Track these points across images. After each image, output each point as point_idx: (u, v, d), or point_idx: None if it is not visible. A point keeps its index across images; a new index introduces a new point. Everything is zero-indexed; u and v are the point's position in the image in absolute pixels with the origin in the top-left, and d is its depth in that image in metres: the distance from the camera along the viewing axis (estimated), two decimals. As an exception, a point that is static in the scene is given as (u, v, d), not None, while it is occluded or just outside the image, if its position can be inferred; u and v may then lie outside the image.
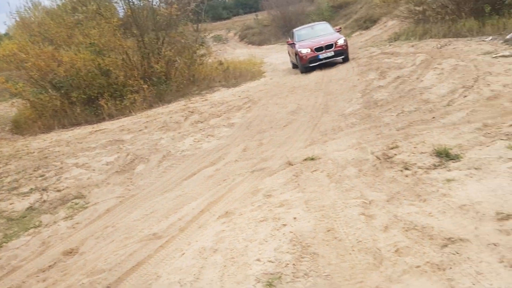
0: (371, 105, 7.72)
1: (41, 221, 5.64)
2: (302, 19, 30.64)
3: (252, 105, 10.50)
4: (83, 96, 12.82)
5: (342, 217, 3.72)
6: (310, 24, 17.44)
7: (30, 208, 6.10)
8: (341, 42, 13.80)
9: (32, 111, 13.03)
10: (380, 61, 11.75)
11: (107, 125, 11.30)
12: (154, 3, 15.84)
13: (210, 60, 17.26)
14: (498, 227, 2.99)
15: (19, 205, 6.22)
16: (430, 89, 7.48)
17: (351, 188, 4.35)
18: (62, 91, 12.79)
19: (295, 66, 15.61)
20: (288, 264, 3.16)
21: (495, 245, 2.80)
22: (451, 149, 4.58)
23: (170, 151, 7.72)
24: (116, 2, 15.54)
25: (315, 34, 15.22)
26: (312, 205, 4.13)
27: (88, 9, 14.29)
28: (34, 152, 9.02)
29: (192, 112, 10.70)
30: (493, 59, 8.13)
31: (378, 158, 5.01)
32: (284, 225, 3.84)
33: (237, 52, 27.89)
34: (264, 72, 17.04)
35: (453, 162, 4.32)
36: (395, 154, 4.94)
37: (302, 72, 14.16)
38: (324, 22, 17.67)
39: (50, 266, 4.35)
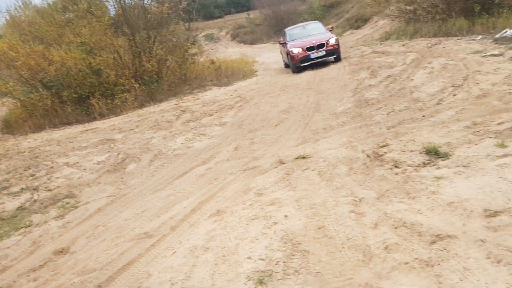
0: (362, 104, 7.76)
1: (31, 221, 5.61)
2: (294, 18, 30.73)
3: (244, 104, 10.51)
4: (74, 95, 12.75)
5: (332, 215, 3.75)
6: (302, 24, 17.42)
7: (21, 208, 6.07)
8: (332, 41, 13.75)
9: (22, 111, 12.94)
10: (371, 60, 11.81)
11: (98, 124, 11.26)
12: (145, 1, 15.84)
13: (202, 59, 17.24)
14: (486, 224, 3.03)
15: (10, 204, 6.19)
16: (420, 88, 7.54)
17: (341, 186, 4.38)
18: (53, 90, 12.71)
19: (287, 65, 15.59)
20: (279, 261, 3.18)
21: (483, 242, 2.84)
22: (440, 147, 4.63)
23: (161, 150, 7.71)
24: (107, 1, 15.50)
25: (307, 34, 15.19)
26: (303, 203, 4.15)
27: (79, 8, 14.21)
28: (24, 152, 8.98)
29: (183, 111, 10.70)
30: (483, 58, 8.21)
31: (368, 156, 5.04)
32: (275, 223, 3.85)
33: (229, 51, 27.88)
34: (256, 71, 17.06)
35: (442, 160, 4.36)
36: (385, 152, 4.98)
37: (293, 72, 14.14)
38: (316, 21, 17.65)
39: (41, 265, 4.33)
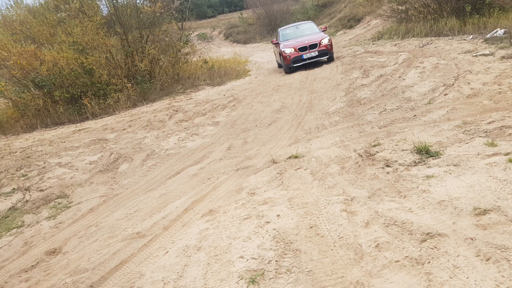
0: (355, 103, 7.80)
1: (23, 221, 5.59)
2: (287, 18, 30.80)
3: (237, 104, 10.52)
4: (66, 95, 12.70)
5: (324, 214, 3.77)
6: (295, 24, 17.38)
7: (13, 208, 6.04)
8: (325, 42, 13.72)
9: (14, 110, 12.87)
10: (363, 60, 11.86)
11: (90, 124, 11.22)
12: (137, 1, 15.79)
13: (194, 59, 17.24)
14: (475, 222, 3.06)
15: (1, 205, 6.15)
16: (411, 87, 7.59)
17: (333, 185, 4.41)
18: (45, 90, 12.65)
19: (280, 65, 15.56)
20: (271, 260, 3.20)
21: (472, 240, 2.87)
22: (431, 146, 4.67)
23: (154, 150, 7.70)
24: (99, 0, 15.44)
25: (300, 34, 15.18)
26: (295, 203, 4.17)
27: (71, 7, 14.14)
28: (16, 152, 8.92)
29: (176, 110, 10.69)
30: (474, 58, 8.28)
31: (360, 155, 5.07)
32: (268, 222, 3.87)
33: (222, 51, 27.87)
34: (249, 71, 17.06)
35: (433, 159, 4.40)
36: (377, 152, 5.01)
37: (286, 73, 14.10)
38: (310, 21, 17.63)
39: (33, 266, 4.32)
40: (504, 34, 9.43)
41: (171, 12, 16.17)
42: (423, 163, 4.37)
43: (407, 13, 15.37)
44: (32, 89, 12.84)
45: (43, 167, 7.49)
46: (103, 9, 15.61)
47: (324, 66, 13.40)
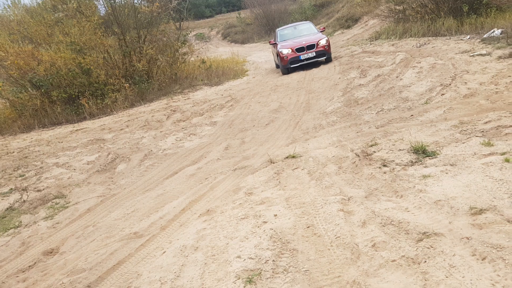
0: (352, 103, 7.81)
1: (21, 221, 5.58)
2: (285, 18, 30.82)
3: (234, 104, 10.52)
4: (63, 95, 12.69)
5: (321, 214, 3.77)
6: (293, 24, 17.33)
7: (10, 208, 6.03)
8: (323, 42, 13.62)
9: (11, 110, 12.85)
10: (361, 60, 11.88)
11: (88, 124, 11.21)
12: (135, 1, 15.79)
13: (192, 59, 17.23)
14: (471, 221, 3.08)
15: (-2, 205, 6.15)
16: (409, 87, 7.61)
17: (331, 185, 4.42)
18: (42, 90, 12.63)
19: (278, 66, 15.53)
20: (268, 260, 3.20)
21: (468, 239, 2.88)
22: (428, 146, 4.68)
23: (151, 150, 7.70)
24: (96, 0, 15.43)
25: (298, 34, 15.11)
26: (292, 202, 4.18)
27: (68, 7, 14.13)
28: (14, 152, 8.91)
29: (174, 110, 10.68)
30: (471, 58, 8.30)
31: (357, 155, 5.08)
32: (265, 222, 3.87)
33: (220, 51, 27.86)
34: (247, 71, 17.07)
35: (429, 158, 4.42)
36: (374, 152, 5.02)
37: (283, 73, 13.96)
38: (308, 21, 17.59)
39: (30, 266, 4.31)
40: (501, 34, 9.46)
41: (169, 12, 16.17)
42: (420, 163, 4.39)
43: (404, 13, 15.41)
44: (29, 89, 12.83)
45: (41, 167, 7.49)
46: (100, 9, 15.63)
47: (322, 66, 13.42)
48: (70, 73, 12.74)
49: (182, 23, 19.32)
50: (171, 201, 5.16)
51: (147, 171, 6.73)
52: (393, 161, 4.60)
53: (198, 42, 27.57)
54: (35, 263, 4.35)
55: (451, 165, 4.11)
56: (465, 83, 6.85)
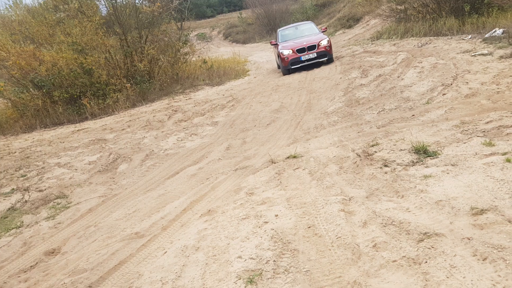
0: (353, 103, 7.81)
1: (22, 222, 5.59)
2: (286, 18, 30.82)
3: (236, 104, 10.53)
4: (65, 95, 12.70)
5: (322, 214, 3.78)
6: (294, 24, 17.14)
7: (12, 209, 6.04)
8: (324, 43, 13.43)
9: (13, 111, 12.87)
10: (362, 60, 11.88)
11: (89, 124, 11.22)
12: (137, 1, 15.79)
13: (194, 59, 17.24)
14: (472, 222, 3.08)
15: (0, 205, 6.16)
16: (410, 87, 7.60)
17: (331, 185, 4.42)
18: (44, 90, 12.65)
19: (280, 66, 15.44)
20: (269, 260, 3.20)
21: (469, 239, 2.88)
22: (429, 146, 4.68)
23: (153, 150, 7.71)
24: (98, 0, 15.44)
25: (300, 34, 14.96)
26: (293, 203, 4.18)
27: (70, 8, 14.14)
28: (15, 152, 8.93)
29: (175, 111, 10.69)
30: (472, 58, 8.29)
31: (358, 155, 5.08)
32: (266, 222, 3.88)
33: (221, 51, 27.87)
34: (248, 71, 17.07)
35: (430, 158, 4.41)
36: (375, 152, 5.02)
37: (284, 74, 13.83)
38: (309, 21, 17.39)
39: (31, 266, 4.32)
40: (502, 33, 9.44)
41: (170, 12, 16.17)
42: (421, 163, 4.39)
43: (406, 12, 15.39)
44: (31, 89, 12.85)
45: (42, 168, 7.50)
46: (102, 9, 15.64)
47: (323, 66, 13.39)
48: (71, 73, 12.76)
49: (183, 23, 19.33)
50: (172, 201, 5.17)
51: (148, 171, 6.74)
52: (394, 161, 4.60)
53: (199, 42, 27.59)
54: (36, 263, 4.36)
55: (452, 165, 4.11)
56: (467, 83, 6.84)
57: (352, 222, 3.52)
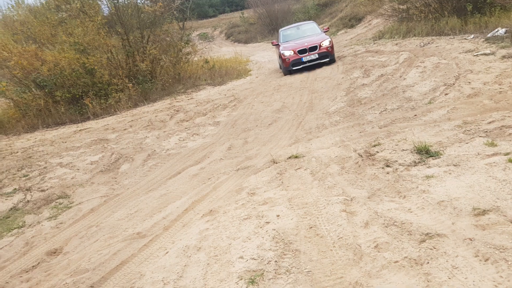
0: (355, 103, 7.80)
1: (24, 221, 5.60)
2: (288, 17, 30.79)
3: (237, 104, 10.53)
4: (67, 95, 12.72)
5: (324, 214, 3.77)
6: (296, 24, 16.94)
7: (14, 209, 6.06)
8: (326, 44, 13.25)
9: (15, 110, 12.90)
10: (364, 59, 11.86)
11: (91, 124, 11.24)
12: (138, 0, 15.80)
13: (195, 59, 17.24)
14: (475, 222, 3.07)
15: (3, 205, 6.17)
16: (412, 87, 7.59)
17: (333, 185, 4.41)
18: (46, 90, 12.67)
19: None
20: (270, 261, 3.20)
21: (471, 240, 2.87)
22: (431, 146, 4.67)
23: (155, 150, 7.71)
24: (100, 0, 15.45)
25: (302, 35, 14.82)
26: (295, 203, 4.18)
27: (72, 7, 14.16)
28: (17, 152, 8.95)
29: (177, 110, 10.70)
30: (474, 57, 8.27)
31: (360, 155, 5.08)
32: (267, 222, 3.87)
33: (223, 50, 27.87)
34: (250, 71, 17.06)
35: (433, 159, 4.40)
36: (377, 152, 5.01)
37: (285, 75, 13.72)
38: (311, 21, 17.11)
39: (33, 266, 4.33)
40: (505, 33, 9.42)
41: (172, 12, 16.18)
42: (423, 163, 4.37)
43: (408, 12, 15.36)
44: (33, 89, 12.87)
45: (44, 167, 7.51)
46: (104, 9, 15.64)
47: (325, 65, 13.34)
48: (73, 73, 12.78)
49: (185, 23, 19.35)
50: (174, 201, 5.17)
51: (150, 171, 6.74)
52: (396, 161, 4.59)
53: (201, 42, 27.61)
54: (38, 263, 4.37)
55: (454, 165, 4.10)
56: (469, 82, 6.83)
57: (353, 222, 3.51)
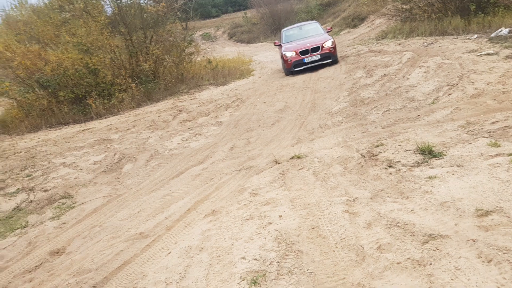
0: (358, 103, 7.79)
1: (27, 221, 5.62)
2: (291, 17, 30.75)
3: (240, 104, 10.52)
4: (70, 95, 12.74)
5: (326, 215, 3.77)
6: (299, 24, 16.79)
7: (17, 209, 6.08)
8: (328, 44, 13.11)
9: (19, 110, 12.92)
10: (367, 59, 11.83)
11: (95, 124, 11.26)
12: (141, 1, 15.83)
13: (198, 59, 17.24)
14: (478, 223, 3.06)
15: (6, 205, 6.19)
16: (415, 87, 7.57)
17: (336, 186, 4.41)
18: (49, 90, 12.69)
19: None
20: (272, 261, 3.20)
21: (474, 241, 2.87)
22: (434, 146, 4.66)
23: (158, 150, 7.72)
24: (103, 0, 15.47)
25: (304, 35, 14.69)
26: (297, 203, 4.17)
27: (75, 8, 14.19)
28: (21, 152, 8.97)
29: (180, 110, 10.70)
30: (478, 57, 8.24)
31: (363, 156, 5.07)
32: (270, 223, 3.87)
33: (226, 50, 27.85)
34: (252, 71, 17.05)
35: (436, 159, 4.39)
36: (380, 152, 5.00)
37: (286, 75, 13.60)
38: (314, 21, 16.93)
39: (36, 266, 4.35)
40: (508, 33, 9.38)
41: (175, 12, 16.19)
42: (426, 163, 4.36)
43: (411, 12, 15.31)
44: (36, 89, 12.88)
45: (48, 167, 7.53)
46: (107, 9, 15.66)
47: (328, 65, 13.30)
48: (77, 73, 12.79)
49: (188, 23, 19.36)
50: (177, 202, 5.18)
51: (153, 171, 6.75)
52: (399, 162, 4.58)
53: (204, 42, 27.65)
54: (41, 263, 4.39)
55: (457, 166, 4.09)
56: (472, 83, 6.80)
57: (356, 223, 3.51)
